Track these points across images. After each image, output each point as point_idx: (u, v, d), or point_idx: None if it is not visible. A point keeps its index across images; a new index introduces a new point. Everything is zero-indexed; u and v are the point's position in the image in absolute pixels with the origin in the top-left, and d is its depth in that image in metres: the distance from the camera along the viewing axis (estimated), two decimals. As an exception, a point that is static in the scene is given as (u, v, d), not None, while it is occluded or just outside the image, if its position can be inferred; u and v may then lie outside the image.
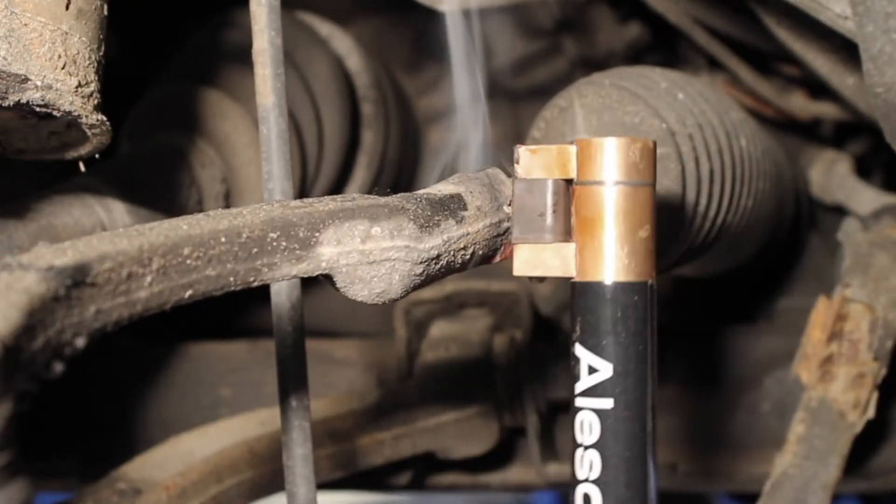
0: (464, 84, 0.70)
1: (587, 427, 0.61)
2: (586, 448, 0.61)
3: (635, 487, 0.61)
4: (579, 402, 0.61)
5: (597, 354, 0.61)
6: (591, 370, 0.61)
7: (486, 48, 1.44)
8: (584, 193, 0.61)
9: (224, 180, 1.12)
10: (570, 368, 0.62)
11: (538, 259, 0.63)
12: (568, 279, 0.63)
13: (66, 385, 1.28)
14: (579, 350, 0.61)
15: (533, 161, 0.63)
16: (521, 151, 0.64)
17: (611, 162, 0.60)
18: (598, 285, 0.61)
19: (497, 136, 0.70)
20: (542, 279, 0.64)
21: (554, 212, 0.62)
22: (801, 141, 1.43)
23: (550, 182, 0.62)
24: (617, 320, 0.60)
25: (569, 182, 0.63)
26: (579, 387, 0.61)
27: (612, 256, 0.61)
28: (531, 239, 0.63)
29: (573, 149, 0.62)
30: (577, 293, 0.62)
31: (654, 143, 0.62)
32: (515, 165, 0.64)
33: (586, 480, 0.61)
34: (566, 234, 0.62)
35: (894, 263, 1.09)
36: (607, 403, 0.60)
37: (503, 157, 0.72)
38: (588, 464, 0.61)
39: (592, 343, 0.61)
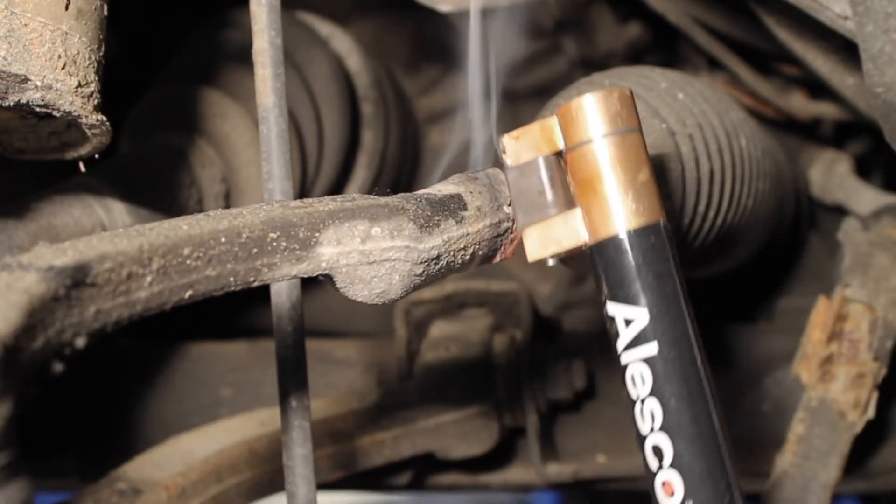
0: (474, 83, 0.70)
1: (639, 379, 0.60)
2: (643, 400, 0.60)
3: (701, 421, 0.59)
4: (625, 357, 0.60)
5: (629, 304, 0.60)
6: (628, 322, 0.60)
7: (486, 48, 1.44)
8: (576, 157, 0.61)
9: (224, 180, 1.12)
10: (606, 332, 0.62)
11: (548, 237, 0.62)
12: (582, 249, 0.62)
13: (66, 385, 1.28)
14: (612, 308, 0.61)
15: (519, 146, 0.63)
16: (506, 140, 0.64)
17: (594, 117, 0.61)
18: (612, 240, 0.60)
19: (497, 137, 0.70)
20: (558, 257, 0.64)
21: (552, 186, 0.62)
22: (801, 141, 1.43)
23: (541, 159, 0.62)
24: (640, 266, 0.60)
25: (558, 154, 0.63)
26: (621, 343, 0.61)
27: (618, 206, 0.60)
28: (536, 220, 0.63)
29: (555, 120, 0.62)
30: (594, 255, 0.61)
31: (630, 91, 0.62)
32: (504, 156, 0.64)
33: (651, 431, 0.60)
34: (569, 204, 0.62)
35: (894, 263, 1.09)
36: (652, 348, 0.60)
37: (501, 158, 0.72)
38: (649, 414, 0.60)
39: (622, 296, 0.60)
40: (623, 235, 0.60)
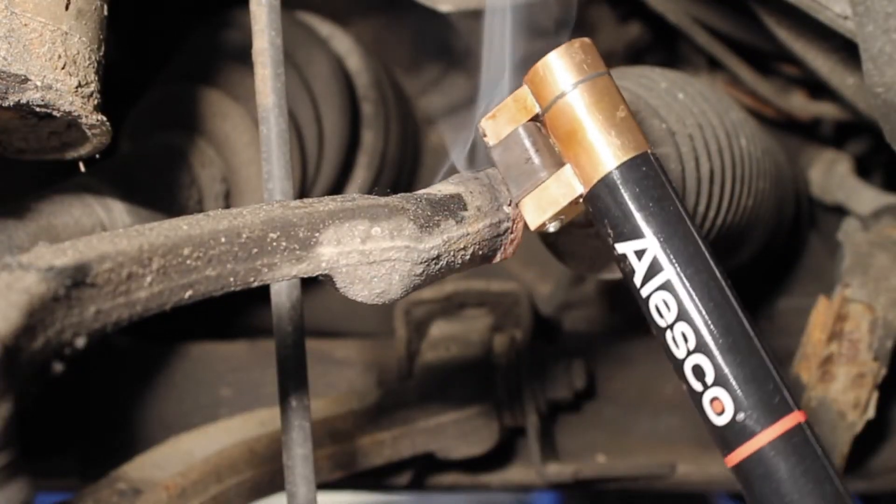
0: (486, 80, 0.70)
1: (663, 307, 0.60)
2: (672, 326, 0.60)
3: (734, 329, 0.59)
4: (645, 290, 0.60)
5: (637, 238, 0.60)
6: (639, 254, 0.60)
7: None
8: (553, 114, 0.62)
9: (224, 180, 1.12)
10: (621, 271, 0.62)
11: (544, 200, 0.63)
12: (578, 202, 0.62)
13: (66, 385, 1.28)
14: (620, 247, 0.61)
15: (497, 124, 0.64)
16: (483, 123, 0.64)
17: (561, 71, 0.61)
18: (605, 179, 0.61)
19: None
20: (559, 220, 0.64)
21: (536, 150, 0.63)
22: (801, 141, 1.43)
23: (520, 128, 0.63)
24: (637, 196, 0.60)
25: (536, 119, 0.63)
26: (638, 278, 0.60)
27: (604, 146, 0.61)
28: (529, 187, 0.63)
29: (525, 88, 0.63)
30: (592, 201, 0.62)
31: (588, 39, 0.63)
32: (485, 139, 0.65)
33: (688, 354, 0.59)
34: (557, 164, 0.63)
35: (894, 263, 1.09)
36: (669, 272, 0.60)
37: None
38: (681, 338, 0.60)
39: (628, 231, 0.60)
40: (615, 173, 0.61)
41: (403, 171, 1.44)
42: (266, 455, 1.04)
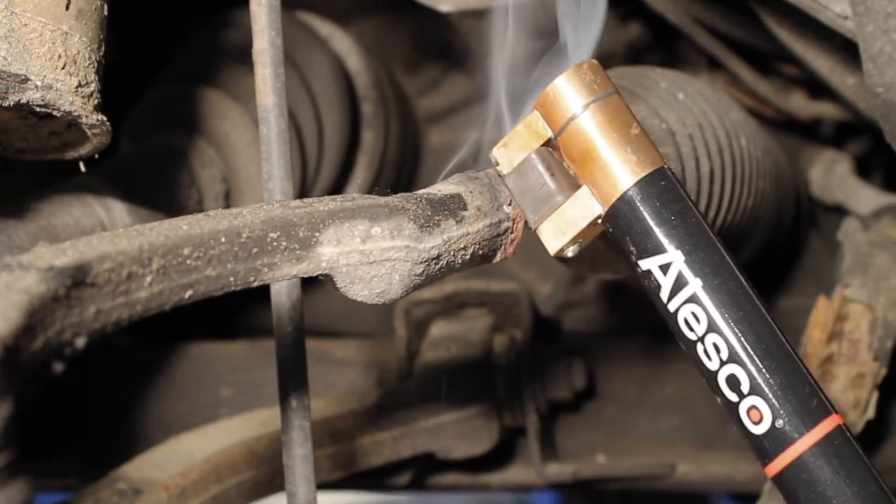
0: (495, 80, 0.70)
1: (692, 320, 0.60)
2: (702, 338, 0.59)
3: (765, 337, 0.59)
4: (672, 304, 0.60)
5: (660, 253, 0.60)
6: (665, 269, 0.60)
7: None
8: (567, 137, 0.62)
9: (224, 180, 1.12)
10: (646, 288, 0.61)
11: (563, 223, 0.63)
12: (597, 223, 0.62)
13: (66, 385, 1.28)
14: (644, 264, 0.61)
15: (510, 151, 0.64)
16: (494, 153, 0.64)
17: (571, 94, 0.61)
18: (624, 198, 0.61)
19: (495, 136, 0.70)
20: (579, 243, 0.64)
21: (552, 175, 0.63)
22: (801, 141, 1.43)
23: (534, 154, 0.63)
24: (658, 211, 0.60)
25: (548, 144, 0.63)
26: (664, 293, 0.60)
27: (620, 164, 0.61)
28: (546, 212, 0.63)
29: (535, 114, 0.63)
30: (612, 220, 0.61)
31: (595, 59, 0.63)
32: (498, 168, 0.64)
33: (722, 365, 0.59)
34: (573, 187, 0.63)
35: (894, 263, 1.09)
36: (695, 284, 0.59)
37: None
38: (713, 350, 0.59)
39: (651, 247, 0.60)
40: (633, 189, 0.60)
41: (403, 171, 1.44)
42: (266, 455, 1.04)
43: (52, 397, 1.28)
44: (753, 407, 0.58)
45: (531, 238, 0.67)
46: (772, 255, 1.32)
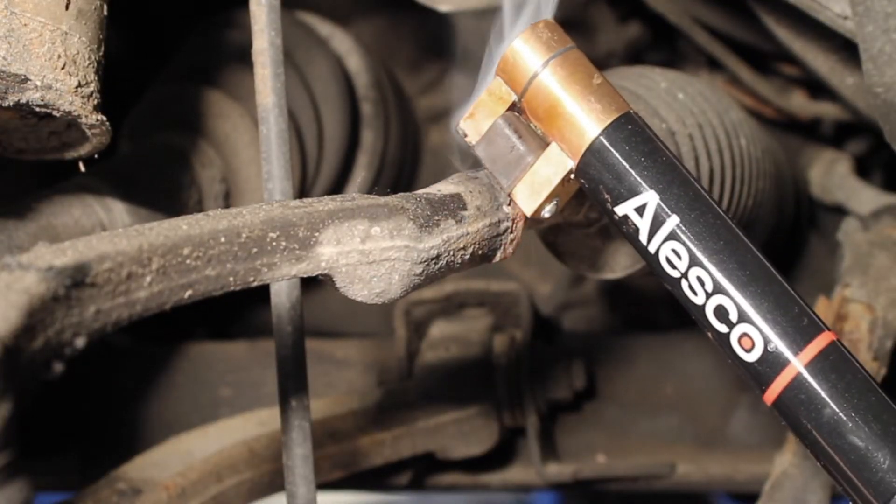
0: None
1: (673, 257, 0.59)
2: (686, 274, 0.59)
3: (749, 262, 0.58)
4: (652, 245, 0.60)
5: (635, 195, 0.60)
6: (640, 211, 0.60)
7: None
8: (531, 97, 0.62)
9: (224, 180, 1.12)
10: (624, 235, 0.61)
11: (536, 183, 0.63)
12: (570, 177, 0.62)
13: (66, 385, 1.28)
14: (620, 209, 0.60)
15: (476, 122, 0.64)
16: (462, 125, 0.64)
17: (529, 53, 0.61)
18: (592, 148, 0.60)
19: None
20: (555, 202, 0.63)
21: (519, 137, 0.63)
22: (801, 141, 1.43)
23: (500, 120, 0.63)
24: (628, 154, 0.60)
25: (513, 108, 0.63)
26: (643, 234, 0.60)
27: (585, 114, 0.61)
28: (519, 174, 0.63)
29: (497, 79, 0.63)
30: (584, 171, 0.61)
31: (550, 19, 0.63)
32: (467, 140, 0.65)
33: (707, 298, 0.58)
34: (543, 145, 0.63)
35: (894, 263, 1.09)
36: (673, 220, 0.59)
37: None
38: (698, 284, 0.59)
39: (625, 191, 0.60)
40: (601, 137, 0.60)
41: (403, 171, 1.44)
42: (266, 455, 1.04)
43: (52, 397, 1.28)
44: (744, 335, 0.58)
45: (531, 238, 0.67)
46: (772, 255, 1.32)
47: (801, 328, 0.57)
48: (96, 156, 0.83)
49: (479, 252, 0.64)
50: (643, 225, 0.60)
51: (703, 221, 0.59)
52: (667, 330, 1.37)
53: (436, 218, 0.61)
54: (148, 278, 0.50)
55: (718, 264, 0.58)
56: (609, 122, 0.60)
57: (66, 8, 0.72)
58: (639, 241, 0.60)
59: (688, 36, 1.28)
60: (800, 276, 1.40)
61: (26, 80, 0.70)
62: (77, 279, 0.47)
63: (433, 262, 0.61)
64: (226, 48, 1.20)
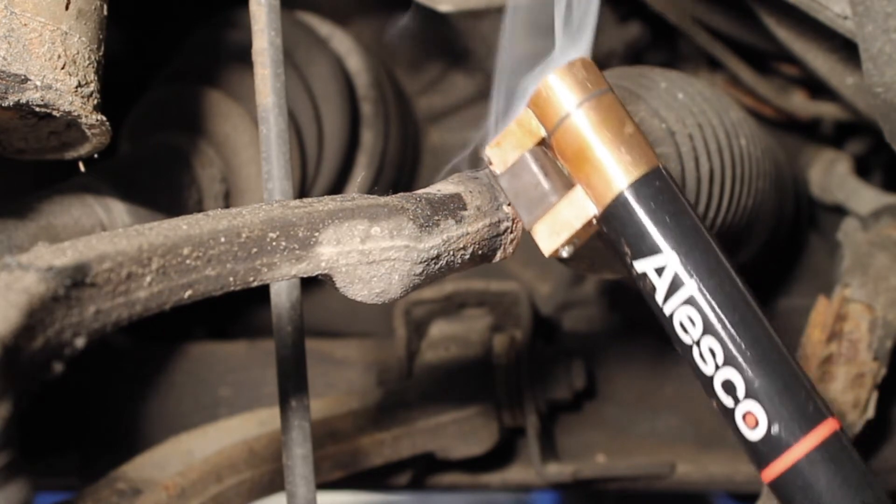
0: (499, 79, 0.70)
1: (688, 323, 0.59)
2: (698, 342, 0.58)
3: (762, 340, 0.58)
4: (668, 307, 0.59)
5: (655, 254, 0.59)
6: (660, 271, 0.59)
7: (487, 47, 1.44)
8: (560, 136, 0.61)
9: (224, 180, 1.12)
10: (641, 290, 0.60)
11: (557, 224, 0.62)
12: (592, 223, 0.61)
13: (66, 385, 1.28)
14: (639, 265, 0.60)
15: (503, 150, 0.63)
16: (489, 151, 0.64)
17: (564, 92, 0.60)
18: (618, 199, 0.60)
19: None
20: (573, 244, 0.63)
21: (545, 175, 0.62)
22: (801, 141, 1.43)
23: (527, 154, 0.62)
24: (653, 212, 0.59)
25: (542, 143, 0.63)
26: (660, 295, 0.59)
27: (614, 164, 0.60)
28: (540, 212, 0.62)
29: (528, 112, 0.62)
30: (607, 221, 0.61)
31: (588, 57, 0.62)
32: (491, 168, 0.64)
33: (717, 369, 0.58)
34: (567, 186, 0.62)
35: (894, 263, 1.09)
36: (691, 287, 0.58)
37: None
38: (709, 354, 0.58)
39: (646, 249, 0.59)
40: (628, 190, 0.59)
41: (403, 171, 1.44)
42: (266, 455, 1.04)
43: (52, 397, 1.28)
44: (750, 413, 0.58)
45: (531, 238, 0.67)
46: (772, 254, 1.32)
47: (806, 414, 0.57)
48: (96, 156, 0.83)
49: (479, 252, 0.64)
50: (661, 286, 0.59)
51: (722, 291, 0.58)
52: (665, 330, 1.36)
53: (436, 218, 0.61)
54: (148, 278, 0.50)
55: (732, 338, 0.58)
56: (638, 176, 0.59)
57: (66, 8, 0.72)
58: (655, 300, 0.60)
59: (688, 36, 1.28)
60: (800, 276, 1.40)
61: (26, 80, 0.70)
62: (77, 279, 0.47)
63: (433, 261, 0.61)
64: (226, 48, 1.20)
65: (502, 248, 0.65)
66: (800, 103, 1.36)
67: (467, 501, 2.06)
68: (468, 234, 0.62)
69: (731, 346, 0.58)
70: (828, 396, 1.05)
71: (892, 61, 0.78)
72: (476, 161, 0.70)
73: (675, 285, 0.59)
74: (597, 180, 0.60)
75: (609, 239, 0.62)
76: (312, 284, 1.28)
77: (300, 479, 0.81)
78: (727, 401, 0.58)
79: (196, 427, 1.09)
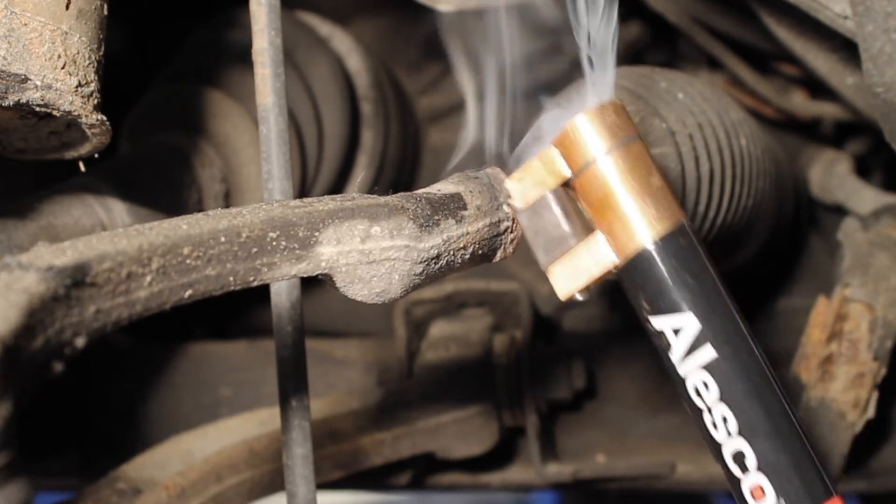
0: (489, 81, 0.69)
1: (702, 388, 0.58)
2: (711, 409, 0.57)
3: (776, 414, 0.57)
4: (683, 369, 0.58)
5: (674, 313, 0.58)
6: (677, 331, 0.58)
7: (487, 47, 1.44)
8: (585, 181, 0.59)
9: (224, 180, 1.12)
10: (655, 345, 0.59)
11: (575, 269, 0.60)
12: (611, 272, 0.60)
13: (66, 385, 1.28)
14: (657, 322, 0.58)
15: (525, 186, 0.62)
16: (510, 185, 0.62)
17: (592, 136, 0.59)
18: (643, 253, 0.58)
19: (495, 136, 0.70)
20: (589, 290, 0.62)
21: (566, 216, 0.61)
22: (801, 141, 1.43)
23: (550, 195, 0.61)
24: (676, 271, 0.58)
25: (565, 184, 0.61)
26: (675, 355, 0.58)
27: (639, 217, 0.58)
28: (559, 254, 0.61)
29: (554, 150, 0.61)
30: (627, 272, 0.59)
31: (620, 101, 0.61)
32: (511, 202, 0.63)
33: (729, 437, 0.57)
34: (588, 230, 0.60)
35: (894, 263, 1.09)
36: (709, 352, 0.57)
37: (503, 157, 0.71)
38: (721, 421, 0.57)
39: (665, 307, 0.58)
40: (651, 246, 0.58)
41: (403, 170, 1.44)
42: (266, 455, 1.04)
43: (52, 397, 1.28)
44: (758, 486, 0.57)
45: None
46: (772, 254, 1.32)
47: (814, 493, 0.57)
48: (96, 156, 0.83)
49: (480, 252, 0.64)
50: (677, 346, 0.58)
51: (739, 359, 0.57)
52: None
53: (436, 217, 0.61)
54: (148, 278, 0.50)
55: (746, 410, 0.57)
56: (663, 232, 0.58)
57: (66, 8, 0.72)
58: (669, 359, 0.59)
59: (688, 36, 1.28)
60: (800, 276, 1.41)
61: (26, 79, 0.70)
62: (77, 279, 0.47)
63: (433, 261, 0.61)
64: (226, 48, 1.20)
65: (502, 247, 0.65)
66: (800, 103, 1.36)
67: (467, 501, 2.06)
68: (468, 233, 0.62)
69: (744, 417, 0.57)
70: (828, 396, 1.05)
71: (892, 61, 0.78)
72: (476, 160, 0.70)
73: (692, 348, 0.58)
74: (619, 230, 0.59)
75: (627, 290, 0.60)
76: (312, 284, 1.28)
77: (300, 478, 0.81)
78: (736, 471, 0.58)
79: (196, 427, 1.09)
